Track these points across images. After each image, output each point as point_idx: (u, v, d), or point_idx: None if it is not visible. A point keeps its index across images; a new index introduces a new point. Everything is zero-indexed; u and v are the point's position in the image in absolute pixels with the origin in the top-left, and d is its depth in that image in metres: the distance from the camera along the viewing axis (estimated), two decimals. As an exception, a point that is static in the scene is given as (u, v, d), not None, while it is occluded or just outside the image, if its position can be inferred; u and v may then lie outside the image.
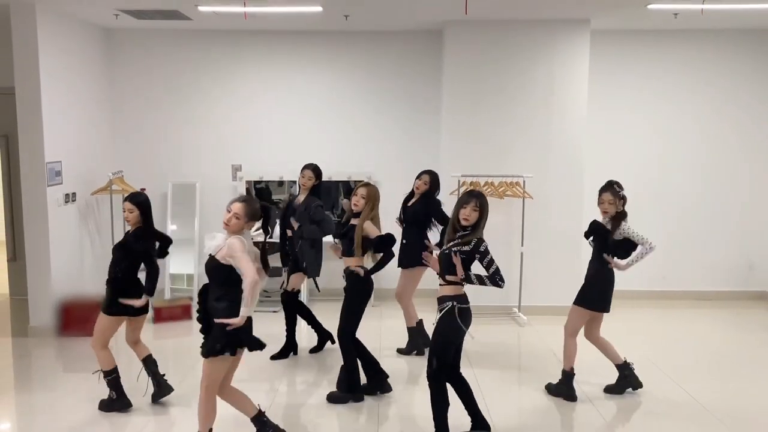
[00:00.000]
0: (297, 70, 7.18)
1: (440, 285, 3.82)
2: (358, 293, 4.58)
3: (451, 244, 3.79)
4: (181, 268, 7.16)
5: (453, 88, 6.62)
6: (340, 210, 7.11)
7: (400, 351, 5.57)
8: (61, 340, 5.94)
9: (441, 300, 3.78)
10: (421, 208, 5.46)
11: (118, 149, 7.19)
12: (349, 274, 4.58)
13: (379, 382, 4.66)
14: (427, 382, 3.80)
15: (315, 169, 5.42)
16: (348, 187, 7.18)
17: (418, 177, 5.52)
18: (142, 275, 4.39)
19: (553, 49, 6.53)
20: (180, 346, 5.97)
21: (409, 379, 5.02)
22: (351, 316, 4.57)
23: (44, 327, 5.99)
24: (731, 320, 6.60)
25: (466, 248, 3.72)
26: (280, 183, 7.24)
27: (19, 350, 5.78)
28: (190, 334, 6.27)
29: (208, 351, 3.51)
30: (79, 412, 4.41)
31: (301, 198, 5.40)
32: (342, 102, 7.23)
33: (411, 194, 5.61)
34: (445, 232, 4.03)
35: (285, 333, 5.47)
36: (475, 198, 3.75)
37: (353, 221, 4.62)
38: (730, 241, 7.29)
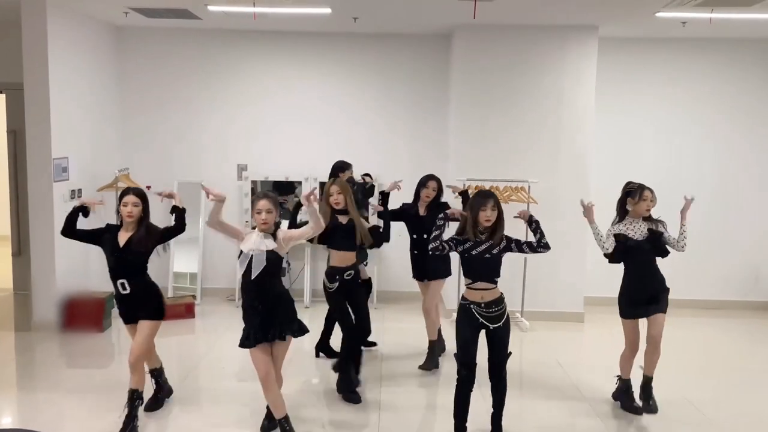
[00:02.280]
0: (305, 71, 7.20)
1: (484, 289, 3.80)
2: (362, 287, 4.81)
3: (486, 246, 3.80)
4: (185, 267, 7.18)
5: (461, 92, 6.62)
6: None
7: (422, 368, 5.22)
8: (64, 335, 5.95)
9: (498, 302, 3.82)
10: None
11: (124, 146, 7.21)
12: (358, 272, 4.70)
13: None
14: (503, 374, 3.88)
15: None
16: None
17: (424, 185, 5.28)
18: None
19: (561, 56, 6.53)
20: (183, 345, 5.98)
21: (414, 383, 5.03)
22: (367, 311, 4.74)
23: (48, 322, 6.01)
24: (738, 330, 6.59)
25: (503, 245, 3.84)
26: (288, 183, 7.23)
27: (22, 345, 5.80)
28: (193, 333, 6.28)
29: (302, 330, 3.91)
30: (81, 408, 4.41)
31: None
32: (349, 104, 7.24)
33: (414, 202, 5.35)
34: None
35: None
36: (491, 198, 3.83)
37: (342, 219, 4.61)
38: (736, 251, 7.26)
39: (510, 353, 3.90)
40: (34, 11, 5.75)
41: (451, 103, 6.76)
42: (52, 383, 4.87)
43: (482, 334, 3.86)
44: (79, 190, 6.34)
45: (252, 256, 3.76)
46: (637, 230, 4.35)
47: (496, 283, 3.83)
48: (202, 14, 6.20)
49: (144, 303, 4.08)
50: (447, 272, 5.32)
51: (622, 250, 4.32)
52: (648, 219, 4.39)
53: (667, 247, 4.38)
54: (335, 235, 4.58)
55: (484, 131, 6.62)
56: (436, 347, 5.30)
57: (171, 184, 7.15)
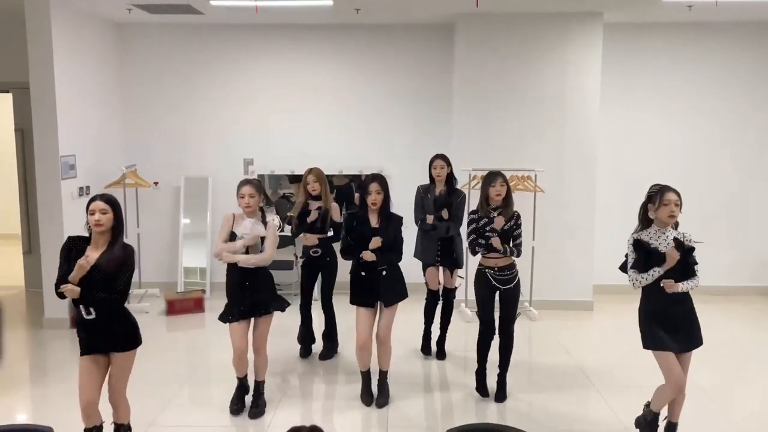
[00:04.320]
0: (308, 64, 7.19)
1: (491, 257, 4.30)
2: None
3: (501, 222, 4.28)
4: (194, 262, 7.22)
5: (464, 81, 6.60)
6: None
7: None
8: (75, 332, 5.99)
9: (511, 267, 4.35)
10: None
11: (131, 143, 7.24)
12: (329, 250, 5.14)
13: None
14: (511, 331, 4.41)
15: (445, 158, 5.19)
16: (359, 181, 7.19)
17: (366, 190, 4.32)
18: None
19: (565, 43, 6.48)
20: (193, 339, 6.03)
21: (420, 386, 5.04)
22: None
23: (59, 319, 6.07)
24: (744, 315, 6.56)
25: (513, 222, 4.30)
26: (294, 177, 7.24)
27: (34, 342, 5.87)
28: (203, 327, 6.33)
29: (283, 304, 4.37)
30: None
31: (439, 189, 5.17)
32: (353, 95, 7.23)
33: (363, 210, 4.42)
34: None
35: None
36: (500, 176, 4.30)
37: (318, 204, 5.08)
38: (742, 237, 7.22)
39: (519, 313, 4.45)
40: (38, 10, 5.78)
41: (455, 93, 6.73)
42: (64, 379, 4.92)
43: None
44: (87, 187, 6.38)
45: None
46: (662, 241, 3.64)
47: (505, 252, 4.28)
48: (205, 9, 6.20)
49: (113, 330, 3.44)
50: (405, 292, 4.44)
51: (642, 258, 3.63)
52: (676, 229, 3.73)
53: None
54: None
55: (489, 120, 6.59)
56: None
57: (178, 179, 7.21)
